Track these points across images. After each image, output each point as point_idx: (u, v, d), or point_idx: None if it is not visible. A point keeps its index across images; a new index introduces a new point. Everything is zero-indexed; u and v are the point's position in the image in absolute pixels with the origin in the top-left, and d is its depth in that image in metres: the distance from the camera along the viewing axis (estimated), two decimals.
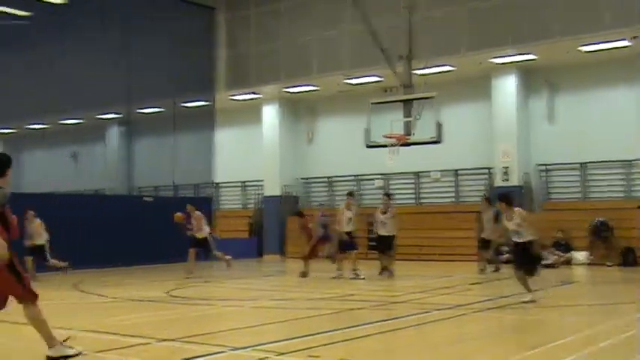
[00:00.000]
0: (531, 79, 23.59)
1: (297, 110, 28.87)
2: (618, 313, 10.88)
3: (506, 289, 13.84)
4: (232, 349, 7.84)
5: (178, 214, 18.45)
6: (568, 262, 20.73)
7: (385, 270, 17.18)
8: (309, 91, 27.04)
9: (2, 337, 9.18)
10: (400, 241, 18.32)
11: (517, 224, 11.71)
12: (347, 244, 17.22)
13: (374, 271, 17.60)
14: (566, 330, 9.45)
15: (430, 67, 21.49)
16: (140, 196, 28.64)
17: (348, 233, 17.26)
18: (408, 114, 18.23)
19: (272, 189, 28.36)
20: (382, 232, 17.32)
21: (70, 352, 7.25)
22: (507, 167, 23.17)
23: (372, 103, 18.82)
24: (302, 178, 28.77)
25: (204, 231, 18.22)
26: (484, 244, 17.74)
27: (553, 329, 9.49)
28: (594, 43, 20.53)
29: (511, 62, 22.67)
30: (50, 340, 7.17)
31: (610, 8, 19.75)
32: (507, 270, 15.69)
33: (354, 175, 27.35)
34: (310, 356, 7.37)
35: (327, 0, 25.47)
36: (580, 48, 20.94)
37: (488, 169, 24.15)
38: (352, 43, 24.14)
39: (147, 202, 25.30)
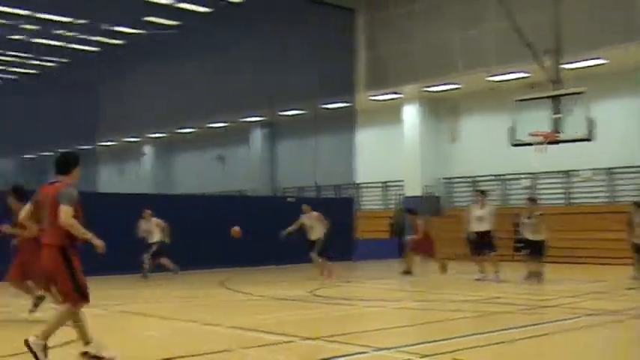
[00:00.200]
0: None
1: (438, 109, 28.42)
2: None
3: None
4: (375, 350, 7.72)
5: (235, 229, 18.49)
6: None
7: (533, 275, 16.44)
8: (451, 89, 26.56)
9: (155, 330, 9.53)
10: (550, 243, 17.53)
11: None
12: (481, 245, 16.58)
13: (518, 274, 16.94)
14: None
15: (579, 61, 20.49)
16: (283, 197, 29.16)
17: (481, 233, 16.62)
18: (556, 110, 17.46)
19: (413, 189, 28.06)
20: (529, 236, 16.61)
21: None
22: None
23: (516, 101, 18.19)
24: (444, 178, 28.29)
25: (318, 232, 17.71)
26: (637, 249, 16.63)
27: None
28: None
29: None
30: (43, 337, 6.87)
31: None
32: None
33: (498, 175, 26.57)
34: (455, 359, 7.14)
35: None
36: None
37: None
38: (496, 39, 23.48)
39: (290, 202, 25.70)
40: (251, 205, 24.69)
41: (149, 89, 37.19)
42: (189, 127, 36.66)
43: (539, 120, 17.66)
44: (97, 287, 16.03)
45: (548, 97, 17.83)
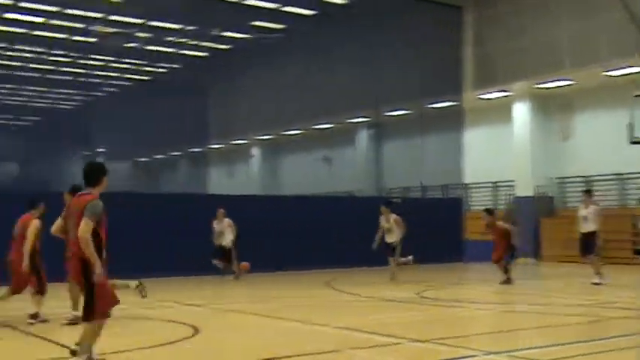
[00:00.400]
0: None
1: (549, 106, 27.48)
2: None
3: None
4: (485, 354, 7.49)
5: (244, 264, 18.26)
6: None
7: None
8: (564, 85, 25.64)
9: (260, 329, 9.62)
10: None
11: None
12: (587, 246, 15.83)
13: (637, 277, 16.11)
14: None
15: None
16: (389, 198, 28.99)
17: (587, 234, 15.80)
18: None
19: (524, 189, 27.24)
20: None
21: None
22: None
23: (635, 96, 17.35)
24: (556, 178, 27.32)
25: (395, 235, 17.18)
26: None
27: None
28: None
29: None
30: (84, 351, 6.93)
31: None
32: None
33: (616, 174, 25.41)
34: None
35: None
36: None
37: None
38: (609, 32, 22.48)
39: (396, 203, 25.49)
40: (357, 205, 24.65)
41: (256, 92, 37.83)
42: (296, 129, 37.05)
43: None
44: (197, 286, 16.44)
45: None
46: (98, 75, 40.62)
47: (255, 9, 30.72)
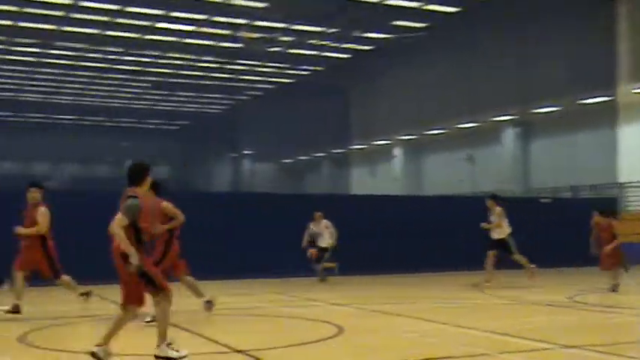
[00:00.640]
0: None
1: None
2: None
3: None
4: None
5: (313, 250, 17.61)
6: None
7: None
8: None
9: (409, 330, 9.46)
10: None
11: None
12: None
13: None
14: None
15: None
16: (537, 198, 27.93)
17: None
18: None
19: None
20: None
21: (174, 354, 7.07)
22: None
23: None
24: None
25: (503, 231, 16.10)
26: None
27: None
28: None
29: None
30: (161, 340, 7.09)
31: None
32: None
33: None
34: None
35: None
36: None
37: None
38: None
39: (544, 204, 24.52)
40: (502, 206, 23.88)
41: (398, 92, 37.64)
42: (439, 128, 36.53)
43: None
44: (343, 286, 16.47)
45: None
46: (244, 79, 41.87)
47: (397, 8, 30.58)
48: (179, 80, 41.67)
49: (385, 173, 40.49)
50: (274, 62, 39.00)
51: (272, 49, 35.11)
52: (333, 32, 33.55)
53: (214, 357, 7.70)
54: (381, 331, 9.53)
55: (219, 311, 11.96)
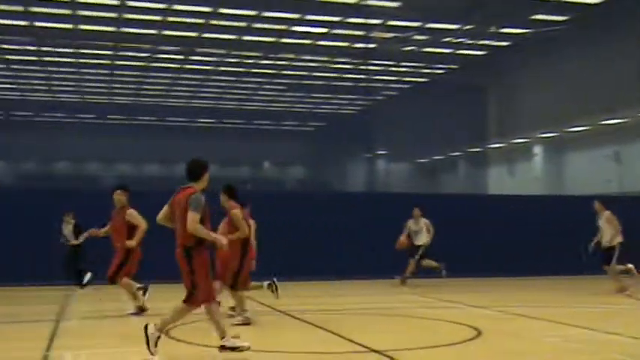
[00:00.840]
0: None
1: None
2: None
3: None
4: None
5: (402, 241, 16.40)
6: None
7: None
8: None
9: (552, 334, 9.08)
10: None
11: None
12: None
13: None
14: None
15: None
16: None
17: None
18: None
19: None
20: None
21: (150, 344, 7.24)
22: None
23: None
24: None
25: (606, 236, 14.60)
26: None
27: None
28: None
29: None
30: (160, 330, 7.28)
31: None
32: None
33: None
34: None
35: None
36: None
37: None
38: None
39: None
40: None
41: (537, 88, 36.42)
42: (581, 125, 34.99)
43: None
44: (481, 288, 16.03)
45: None
46: (378, 79, 41.87)
47: (535, 2, 29.61)
48: (314, 82, 42.26)
49: (525, 172, 39.24)
50: (409, 61, 38.76)
51: (406, 49, 34.89)
52: (468, 29, 32.90)
53: (350, 356, 7.68)
54: (521, 335, 9.20)
55: (355, 311, 11.99)
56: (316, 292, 15.43)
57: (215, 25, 30.91)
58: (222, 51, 35.65)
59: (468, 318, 10.46)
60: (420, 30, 32.86)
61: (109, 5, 28.17)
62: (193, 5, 28.69)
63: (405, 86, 44.53)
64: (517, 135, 39.54)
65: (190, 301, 7.33)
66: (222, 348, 7.40)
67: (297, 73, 40.72)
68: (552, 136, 37.75)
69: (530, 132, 38.12)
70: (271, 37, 33.41)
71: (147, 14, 29.45)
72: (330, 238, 17.93)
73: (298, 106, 50.11)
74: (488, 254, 18.64)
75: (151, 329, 7.23)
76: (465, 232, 19.02)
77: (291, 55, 37.11)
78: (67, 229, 15.64)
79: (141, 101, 47.03)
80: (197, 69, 39.62)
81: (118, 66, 37.86)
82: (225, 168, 54.98)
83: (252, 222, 11.08)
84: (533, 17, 31.56)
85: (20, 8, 27.92)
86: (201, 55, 36.36)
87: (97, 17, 29.34)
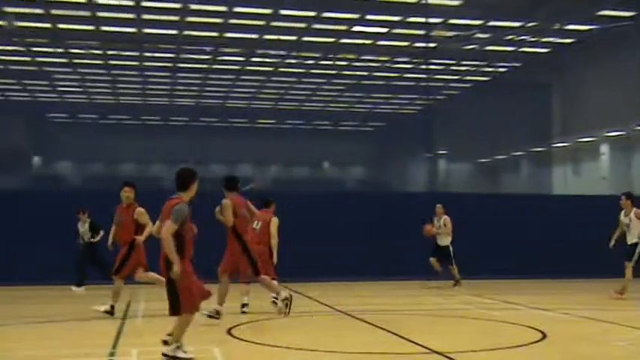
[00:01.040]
0: None
1: None
2: None
3: None
4: None
5: (428, 228, 15.83)
6: None
7: None
8: None
9: (621, 340, 8.85)
10: None
11: None
12: None
13: None
14: None
15: None
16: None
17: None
18: None
19: None
20: None
21: (182, 355, 7.16)
22: None
23: None
24: None
25: (635, 233, 13.77)
26: None
27: None
28: None
29: None
30: (175, 341, 7.20)
31: None
32: None
33: None
34: None
35: None
36: None
37: None
38: None
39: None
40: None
41: (603, 86, 35.55)
42: None
43: None
44: (542, 290, 15.72)
45: None
46: (438, 79, 41.50)
47: None
48: (373, 82, 42.15)
49: (591, 172, 38.33)
50: (470, 60, 38.31)
51: (468, 47, 34.47)
52: (531, 26, 32.31)
53: (412, 357, 7.63)
54: (587, 338, 8.99)
55: (414, 311, 11.92)
56: (376, 292, 15.39)
57: (275, 26, 31.12)
58: (282, 52, 35.87)
59: (530, 320, 10.28)
60: (481, 28, 32.45)
61: (172, 9, 28.63)
62: (254, 7, 28.94)
63: (466, 85, 44.04)
64: (582, 134, 38.65)
65: (177, 311, 7.24)
66: (164, 355, 7.21)
67: (357, 73, 40.67)
68: (619, 135, 36.79)
69: (597, 130, 37.21)
70: (331, 37, 33.46)
71: (208, 17, 29.83)
72: (390, 238, 17.85)
73: (358, 106, 50.05)
74: (551, 255, 18.30)
75: (165, 349, 7.22)
76: (527, 232, 18.72)
77: (351, 56, 37.08)
78: (83, 227, 15.81)
79: (202, 103, 47.69)
80: (257, 70, 39.95)
81: (180, 68, 38.46)
82: (285, 168, 55.28)
83: (275, 219, 11.85)
84: (599, 13, 30.83)
85: (87, 14, 28.62)
86: (262, 57, 36.65)
87: (160, 20, 29.87)
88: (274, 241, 11.83)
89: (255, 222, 11.63)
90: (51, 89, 43.19)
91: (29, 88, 42.71)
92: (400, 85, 43.01)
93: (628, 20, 31.40)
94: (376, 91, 45.22)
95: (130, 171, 50.21)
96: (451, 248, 16.17)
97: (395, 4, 29.24)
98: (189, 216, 7.26)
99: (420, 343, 8.22)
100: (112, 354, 7.66)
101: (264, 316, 10.90)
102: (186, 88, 43.95)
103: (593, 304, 13.13)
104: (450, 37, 32.42)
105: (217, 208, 10.34)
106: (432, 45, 34.05)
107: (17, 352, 7.84)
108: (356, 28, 32.00)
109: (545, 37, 34.33)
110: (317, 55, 36.67)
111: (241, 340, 8.59)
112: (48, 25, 29.82)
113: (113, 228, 11.38)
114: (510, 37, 33.67)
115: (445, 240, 16.20)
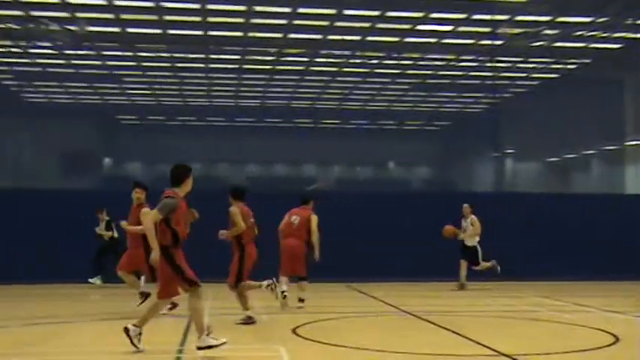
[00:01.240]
0: None
1: None
2: None
3: None
4: None
5: (448, 228, 15.07)
6: None
7: None
8: None
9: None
10: None
11: None
12: None
13: None
14: None
15: None
16: None
17: None
18: None
19: None
20: None
21: (214, 342, 7.39)
22: None
23: None
24: None
25: None
26: None
27: None
28: None
29: None
30: (200, 332, 7.45)
31: None
32: None
33: None
34: None
35: None
36: None
37: None
38: None
39: None
40: None
41: None
42: None
43: None
44: (620, 292, 15.29)
45: None
46: (505, 76, 40.85)
47: None
48: (439, 81, 41.73)
49: None
50: (538, 57, 37.55)
51: (535, 44, 33.78)
52: (602, 22, 31.46)
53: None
54: None
55: (481, 313, 11.75)
56: (442, 293, 15.23)
57: (339, 26, 31.13)
58: (346, 52, 35.85)
59: (602, 323, 10.01)
60: (550, 24, 31.77)
61: (237, 11, 28.94)
62: (318, 8, 29.02)
63: (534, 83, 43.19)
64: None
65: (191, 285, 7.56)
66: (127, 331, 7.59)
67: (422, 72, 40.35)
68: None
69: None
70: (395, 36, 33.28)
71: (272, 18, 30.04)
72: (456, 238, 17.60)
73: (423, 105, 49.65)
74: (623, 256, 17.79)
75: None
76: (598, 232, 18.24)
77: (416, 54, 36.80)
78: (101, 226, 16.17)
79: (267, 104, 48.06)
80: (321, 70, 40.03)
81: (245, 70, 38.86)
82: (350, 168, 55.28)
83: (314, 216, 11.84)
84: None
85: (155, 17, 29.18)
86: (326, 57, 36.71)
87: (225, 23, 30.23)
88: (315, 238, 11.79)
89: (294, 217, 11.89)
90: (120, 92, 44.21)
91: (100, 91, 43.80)
92: (466, 83, 42.47)
93: None
94: (441, 90, 44.79)
95: (197, 171, 50.88)
96: (478, 248, 15.80)
97: (460, 2, 28.88)
98: (181, 210, 7.61)
99: (487, 345, 8.08)
100: (179, 351, 7.77)
101: (330, 315, 10.91)
102: (251, 89, 44.40)
103: None
104: (517, 33, 31.85)
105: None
106: (498, 42, 33.54)
107: (91, 347, 8.01)
108: (420, 27, 31.74)
109: (616, 32, 33.39)
110: (381, 55, 36.53)
111: (307, 339, 8.61)
112: (117, 30, 30.54)
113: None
114: (580, 32, 32.87)
115: (472, 240, 15.82)
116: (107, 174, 49.09)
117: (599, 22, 31.47)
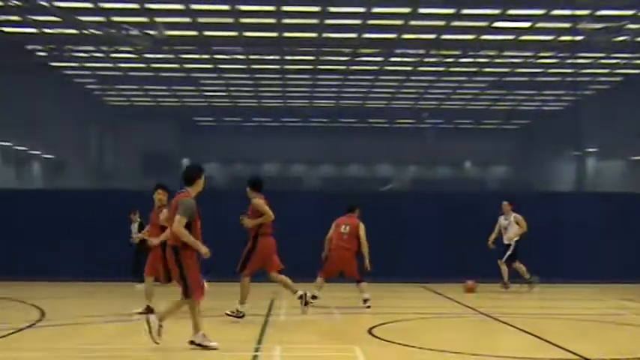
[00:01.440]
0: None
1: None
2: None
3: None
4: None
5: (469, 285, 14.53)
6: None
7: None
8: None
9: None
10: None
11: None
12: None
13: None
14: None
15: None
16: None
17: None
18: None
19: None
20: None
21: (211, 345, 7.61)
22: None
23: None
24: None
25: None
26: None
27: None
28: None
29: None
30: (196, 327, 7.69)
31: None
32: None
33: None
34: None
35: None
36: None
37: None
38: None
39: None
40: None
41: None
42: None
43: None
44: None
45: None
46: (586, 73, 39.76)
47: None
48: (517, 79, 40.91)
49: None
50: (620, 53, 36.36)
51: (618, 39, 32.71)
52: None
53: None
54: None
55: (561, 315, 11.46)
56: (518, 294, 14.90)
57: (414, 25, 30.86)
58: (421, 51, 35.53)
59: None
60: (633, 18, 30.73)
61: (311, 12, 29.05)
62: (392, 7, 28.83)
63: (617, 79, 41.87)
64: None
65: (187, 295, 7.71)
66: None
67: (499, 70, 39.65)
68: None
69: None
70: (471, 34, 32.79)
71: (347, 19, 30.02)
72: (541, 239, 17.19)
73: (500, 103, 48.80)
74: None
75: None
76: None
77: (493, 52, 36.16)
78: (134, 227, 16.11)
79: (341, 104, 48.11)
80: (396, 70, 39.80)
81: (320, 70, 38.98)
82: (425, 168, 54.85)
83: (362, 225, 11.96)
84: None
85: (231, 20, 29.59)
86: (401, 56, 36.47)
87: (300, 24, 30.39)
88: (365, 249, 11.85)
89: (343, 226, 12.00)
90: (198, 94, 45.04)
91: (178, 93, 44.74)
92: (545, 80, 41.51)
93: None
94: (519, 88, 43.92)
95: (272, 171, 51.52)
96: (512, 246, 15.24)
97: None
98: (195, 209, 7.70)
99: (569, 349, 7.85)
100: (256, 349, 7.82)
101: (406, 316, 10.82)
102: (325, 89, 44.54)
103: None
104: (599, 29, 30.91)
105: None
106: (578, 38, 32.65)
107: (172, 344, 8.14)
108: (497, 24, 31.19)
109: None
110: (457, 53, 36.03)
111: (382, 340, 8.55)
112: (195, 33, 31.11)
113: (147, 228, 11.96)
114: None
115: (509, 237, 15.29)
116: None
117: None
